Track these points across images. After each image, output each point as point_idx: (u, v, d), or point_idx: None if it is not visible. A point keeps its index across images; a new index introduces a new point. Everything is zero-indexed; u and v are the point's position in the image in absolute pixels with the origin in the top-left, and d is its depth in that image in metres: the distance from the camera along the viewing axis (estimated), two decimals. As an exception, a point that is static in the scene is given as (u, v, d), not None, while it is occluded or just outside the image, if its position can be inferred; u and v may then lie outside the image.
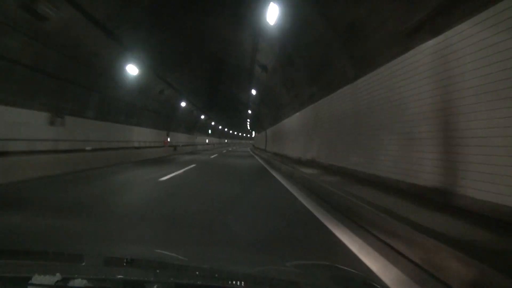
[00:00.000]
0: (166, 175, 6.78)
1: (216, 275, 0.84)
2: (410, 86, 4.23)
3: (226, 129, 50.84)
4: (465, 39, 3.14)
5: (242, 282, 0.78)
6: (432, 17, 3.60)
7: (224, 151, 26.37)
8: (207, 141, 38.76)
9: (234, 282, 0.77)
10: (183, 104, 21.00)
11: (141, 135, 16.61)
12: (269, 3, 6.71)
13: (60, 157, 7.58)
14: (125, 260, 0.86)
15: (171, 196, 4.61)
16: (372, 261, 2.02)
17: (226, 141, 58.21)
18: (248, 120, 34.81)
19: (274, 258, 1.33)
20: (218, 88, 21.74)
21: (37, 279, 0.67)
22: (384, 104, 5.04)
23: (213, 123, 38.10)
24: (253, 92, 17.26)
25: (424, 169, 3.86)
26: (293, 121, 13.07)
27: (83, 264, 0.97)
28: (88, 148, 10.78)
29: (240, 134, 69.33)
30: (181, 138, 25.75)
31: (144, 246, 1.34)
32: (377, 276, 1.73)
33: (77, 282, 0.68)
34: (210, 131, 40.04)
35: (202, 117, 30.24)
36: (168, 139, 21.60)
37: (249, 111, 27.89)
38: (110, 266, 0.96)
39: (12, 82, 7.30)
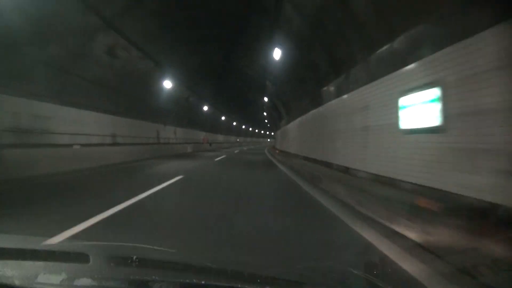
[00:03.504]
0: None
1: (221, 275, 0.84)
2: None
3: (249, 128, 56.77)
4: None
5: (247, 282, 0.77)
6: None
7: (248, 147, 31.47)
8: (238, 139, 48.48)
9: (239, 282, 0.76)
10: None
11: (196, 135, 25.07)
12: None
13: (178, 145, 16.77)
14: (130, 260, 0.84)
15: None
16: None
17: (251, 139, 63.74)
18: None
19: (279, 259, 1.31)
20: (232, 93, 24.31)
21: (43, 278, 0.68)
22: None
23: (242, 126, 46.37)
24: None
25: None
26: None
27: (89, 263, 0.95)
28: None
29: (267, 132, 70.80)
30: (213, 137, 32.32)
31: (149, 245, 1.34)
32: (387, 280, 1.83)
33: (82, 281, 0.70)
34: (237, 132, 47.87)
35: (231, 121, 37.32)
36: (204, 137, 27.71)
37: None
38: (115, 265, 0.96)
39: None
